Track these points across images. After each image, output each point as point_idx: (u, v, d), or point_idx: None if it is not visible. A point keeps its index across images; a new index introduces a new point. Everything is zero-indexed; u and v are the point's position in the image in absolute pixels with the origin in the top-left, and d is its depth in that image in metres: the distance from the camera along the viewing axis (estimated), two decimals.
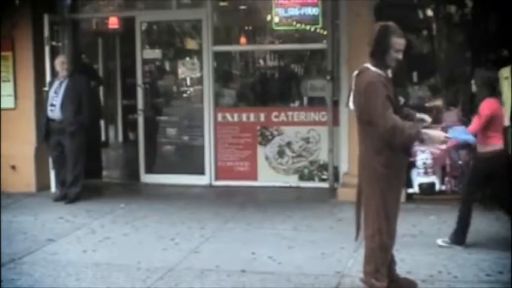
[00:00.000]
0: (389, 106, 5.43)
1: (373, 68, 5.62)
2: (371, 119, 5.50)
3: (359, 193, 5.89)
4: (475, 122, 7.27)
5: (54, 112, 10.24)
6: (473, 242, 7.62)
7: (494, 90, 7.44)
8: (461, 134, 8.19)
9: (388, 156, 5.56)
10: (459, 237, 7.45)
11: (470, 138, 7.88)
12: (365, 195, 5.79)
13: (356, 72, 5.75)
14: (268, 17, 11.35)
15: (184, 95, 12.45)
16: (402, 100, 9.89)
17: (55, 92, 10.31)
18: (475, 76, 7.52)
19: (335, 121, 10.70)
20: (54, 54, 10.95)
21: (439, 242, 7.53)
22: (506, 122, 8.08)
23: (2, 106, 10.99)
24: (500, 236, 7.71)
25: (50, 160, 10.71)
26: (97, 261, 7.23)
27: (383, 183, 5.60)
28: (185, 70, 12.02)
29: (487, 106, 7.20)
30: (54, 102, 10.27)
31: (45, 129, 10.35)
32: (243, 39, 12.31)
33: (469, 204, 7.43)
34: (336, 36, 10.73)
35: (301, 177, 11.23)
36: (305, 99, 11.48)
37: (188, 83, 12.35)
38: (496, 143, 7.28)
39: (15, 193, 10.65)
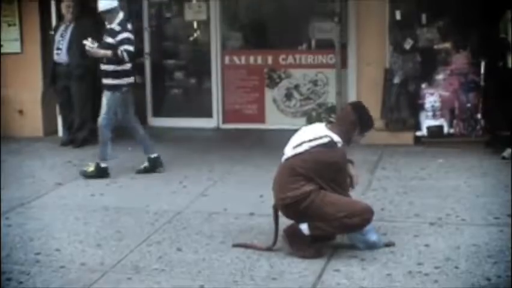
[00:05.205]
0: None
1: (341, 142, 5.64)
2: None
3: None
4: None
5: (61, 56, 10.22)
6: (481, 185, 7.62)
7: None
8: None
9: None
10: None
11: None
12: None
13: (322, 141, 5.63)
14: None
15: (191, 38, 12.34)
16: (411, 43, 9.87)
17: (61, 36, 10.27)
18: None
19: (343, 64, 10.54)
20: None
21: None
22: None
23: (8, 51, 10.93)
24: (510, 180, 7.61)
25: (58, 105, 10.69)
26: (105, 205, 7.26)
27: None
28: (191, 12, 11.88)
29: None
30: (60, 46, 10.24)
31: (52, 73, 10.33)
32: None
33: None
34: None
35: (309, 120, 11.15)
36: (313, 42, 11.37)
37: (195, 25, 12.23)
38: None
39: (23, 138, 10.66)
